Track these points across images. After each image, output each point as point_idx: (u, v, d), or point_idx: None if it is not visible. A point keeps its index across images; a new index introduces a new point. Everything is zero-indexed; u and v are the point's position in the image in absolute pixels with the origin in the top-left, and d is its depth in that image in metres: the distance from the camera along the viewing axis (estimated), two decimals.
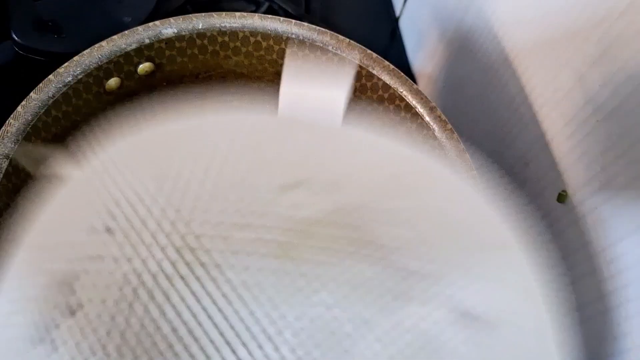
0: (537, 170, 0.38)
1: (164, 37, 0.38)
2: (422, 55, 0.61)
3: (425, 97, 0.37)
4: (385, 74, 0.38)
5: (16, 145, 0.33)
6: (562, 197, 0.35)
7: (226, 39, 0.39)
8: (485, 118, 0.46)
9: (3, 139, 0.32)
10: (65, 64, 0.35)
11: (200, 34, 0.38)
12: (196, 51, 0.40)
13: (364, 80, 0.39)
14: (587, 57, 0.32)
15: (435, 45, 0.56)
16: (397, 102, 0.38)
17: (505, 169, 0.43)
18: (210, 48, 0.40)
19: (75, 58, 0.35)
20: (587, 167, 0.33)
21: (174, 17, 0.38)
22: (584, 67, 0.33)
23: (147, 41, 0.37)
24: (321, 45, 0.39)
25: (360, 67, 0.39)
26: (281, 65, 0.41)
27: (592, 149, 0.32)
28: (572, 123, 0.34)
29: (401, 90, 0.38)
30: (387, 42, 0.67)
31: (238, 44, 0.40)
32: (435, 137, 0.36)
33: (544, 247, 0.38)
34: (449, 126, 0.36)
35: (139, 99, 0.41)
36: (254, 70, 0.42)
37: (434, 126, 0.36)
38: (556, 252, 0.37)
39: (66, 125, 0.36)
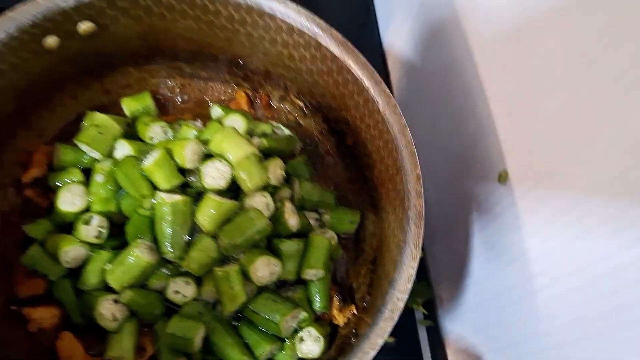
0: (484, 150, 0.38)
1: None
2: (392, 31, 0.60)
3: (372, 70, 0.36)
4: (333, 44, 0.37)
5: None
6: (502, 177, 0.34)
7: (172, 1, 0.38)
8: (443, 95, 0.45)
9: None
10: None
11: None
12: (141, 13, 0.38)
13: (313, 51, 0.38)
14: (532, 44, 0.31)
15: (403, 22, 0.54)
16: (345, 73, 0.37)
17: (459, 148, 0.42)
18: (155, 10, 0.38)
19: (9, 13, 0.34)
20: (524, 149, 0.32)
21: None
22: (526, 54, 0.32)
23: None
24: (269, 11, 0.37)
25: (309, 35, 0.37)
26: (231, 31, 0.40)
27: (528, 131, 0.32)
28: (514, 104, 0.33)
29: (349, 62, 0.37)
30: (363, 18, 0.65)
31: (185, 6, 0.38)
32: (379, 111, 0.35)
33: (486, 227, 0.38)
34: (393, 101, 0.35)
35: (85, 61, 0.40)
36: (204, 35, 0.41)
37: (378, 100, 0.35)
38: (495, 233, 0.36)
39: (4, 84, 0.35)
